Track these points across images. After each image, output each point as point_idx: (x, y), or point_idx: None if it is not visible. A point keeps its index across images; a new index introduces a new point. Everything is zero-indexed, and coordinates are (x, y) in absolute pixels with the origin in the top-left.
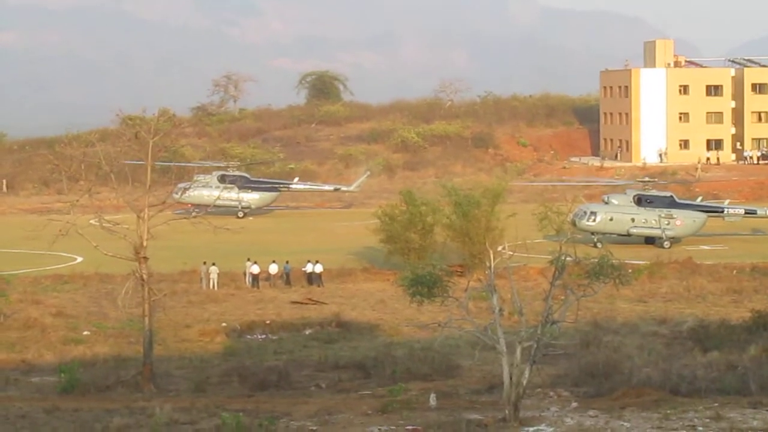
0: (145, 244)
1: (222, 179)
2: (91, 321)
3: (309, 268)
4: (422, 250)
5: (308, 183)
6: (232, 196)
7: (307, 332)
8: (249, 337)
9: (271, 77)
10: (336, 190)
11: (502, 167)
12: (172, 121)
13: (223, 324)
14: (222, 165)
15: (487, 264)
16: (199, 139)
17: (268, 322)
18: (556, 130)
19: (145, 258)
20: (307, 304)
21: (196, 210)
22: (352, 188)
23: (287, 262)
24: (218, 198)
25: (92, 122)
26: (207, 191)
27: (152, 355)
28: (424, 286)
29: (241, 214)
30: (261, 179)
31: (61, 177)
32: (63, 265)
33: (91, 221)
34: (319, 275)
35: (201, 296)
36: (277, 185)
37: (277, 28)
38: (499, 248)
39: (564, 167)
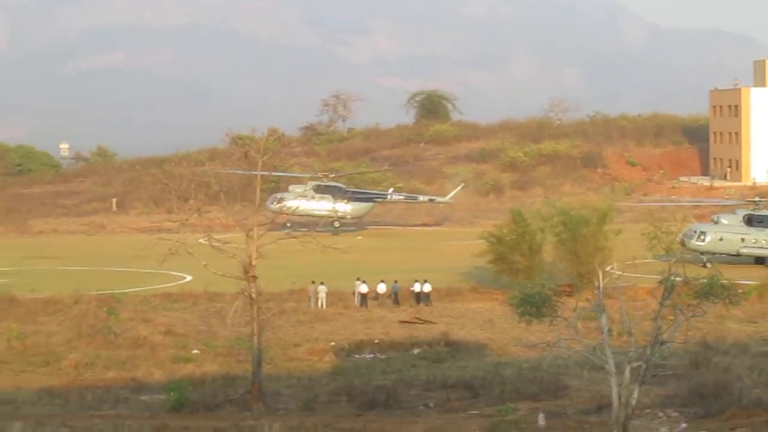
0: (254, 263)
1: (317, 189)
2: (200, 339)
3: (417, 287)
4: (530, 270)
5: (403, 194)
6: (327, 206)
7: (416, 351)
8: (357, 356)
9: (380, 96)
10: (431, 200)
11: (611, 186)
12: (281, 141)
13: (332, 343)
14: (326, 176)
15: (596, 284)
16: (308, 158)
17: (376, 341)
18: (665, 149)
19: (254, 277)
20: (415, 323)
21: (297, 228)
22: (446, 199)
23: (396, 281)
24: (323, 212)
25: (201, 141)
26: (302, 201)
27: (261, 374)
28: (533, 306)
29: (337, 224)
30: (356, 189)
31: (171, 196)
32: (172, 284)
33: (200, 240)
34: (428, 294)
35: (309, 315)
36: (372, 196)
37: (385, 46)
38: (608, 268)
39: (673, 187)
